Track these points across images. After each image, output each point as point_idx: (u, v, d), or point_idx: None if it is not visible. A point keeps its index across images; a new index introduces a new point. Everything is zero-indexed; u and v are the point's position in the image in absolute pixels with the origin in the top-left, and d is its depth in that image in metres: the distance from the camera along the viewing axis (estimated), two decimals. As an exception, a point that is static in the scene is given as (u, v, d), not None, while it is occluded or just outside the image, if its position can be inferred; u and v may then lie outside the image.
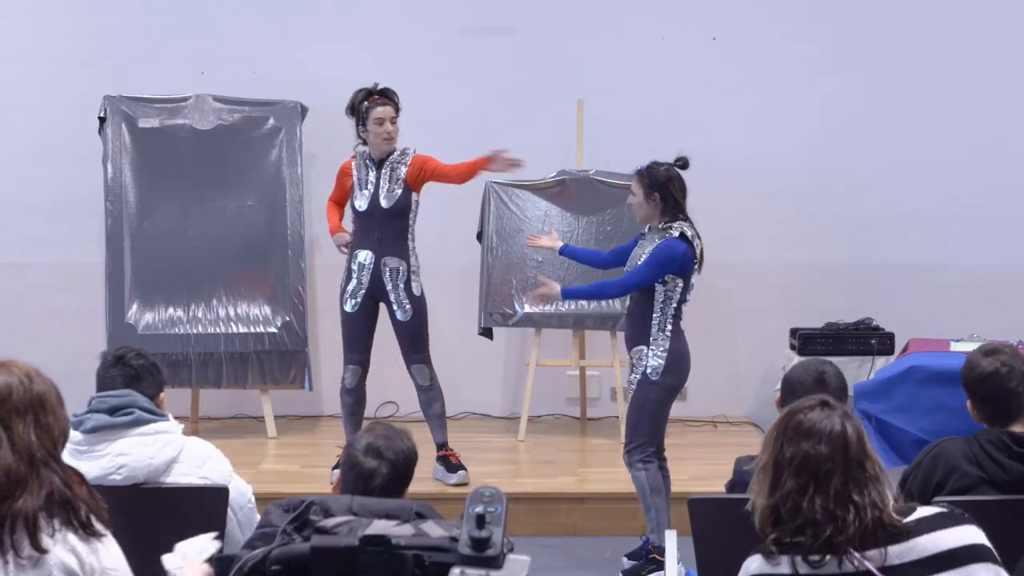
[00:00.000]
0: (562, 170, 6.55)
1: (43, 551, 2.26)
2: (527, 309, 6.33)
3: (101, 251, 6.51)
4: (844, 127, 6.92)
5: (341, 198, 5.63)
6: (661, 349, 4.75)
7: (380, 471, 2.68)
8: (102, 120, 6.42)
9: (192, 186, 6.44)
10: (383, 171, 5.40)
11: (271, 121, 6.51)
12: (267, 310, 6.40)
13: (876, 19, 6.90)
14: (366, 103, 5.37)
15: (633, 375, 4.82)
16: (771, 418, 2.58)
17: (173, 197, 6.43)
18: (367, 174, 5.42)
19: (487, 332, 6.57)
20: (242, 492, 3.33)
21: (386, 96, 5.40)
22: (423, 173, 5.41)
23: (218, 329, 6.36)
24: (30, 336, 6.51)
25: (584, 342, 6.66)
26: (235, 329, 6.37)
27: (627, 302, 5.11)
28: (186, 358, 6.31)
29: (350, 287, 5.46)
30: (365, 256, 5.42)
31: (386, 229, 5.40)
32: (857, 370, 6.13)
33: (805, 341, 6.36)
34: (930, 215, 6.94)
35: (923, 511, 2.39)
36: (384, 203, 5.37)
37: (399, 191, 5.37)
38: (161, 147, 6.43)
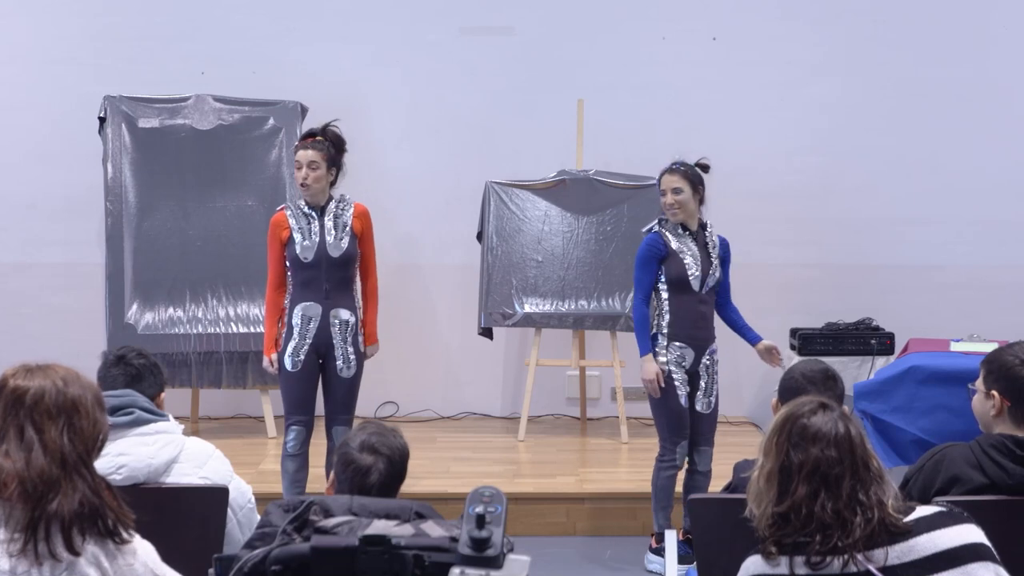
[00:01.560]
0: (562, 170, 6.55)
1: (76, 553, 2.27)
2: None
3: (101, 251, 6.51)
4: (845, 127, 6.92)
5: (282, 270, 4.99)
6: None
7: (377, 467, 2.68)
8: (102, 120, 6.42)
9: (192, 186, 6.44)
10: (326, 218, 4.93)
11: (271, 121, 6.51)
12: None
13: (877, 19, 6.90)
14: (298, 143, 4.96)
15: (710, 376, 4.82)
16: (770, 419, 2.57)
17: (173, 197, 6.44)
18: (308, 223, 4.92)
19: (487, 332, 6.57)
20: (242, 492, 3.33)
21: (320, 137, 4.90)
22: (364, 231, 5.02)
23: (218, 329, 6.36)
24: (30, 336, 6.53)
25: (584, 342, 6.66)
26: (235, 329, 6.37)
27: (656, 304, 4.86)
28: (186, 358, 6.32)
29: (291, 345, 4.92)
30: (311, 309, 4.91)
31: (334, 280, 4.93)
32: (857, 370, 6.14)
33: (805, 341, 6.36)
34: (930, 215, 6.94)
35: (922, 510, 2.38)
36: (332, 252, 4.90)
37: (347, 239, 4.93)
38: (161, 147, 6.44)
